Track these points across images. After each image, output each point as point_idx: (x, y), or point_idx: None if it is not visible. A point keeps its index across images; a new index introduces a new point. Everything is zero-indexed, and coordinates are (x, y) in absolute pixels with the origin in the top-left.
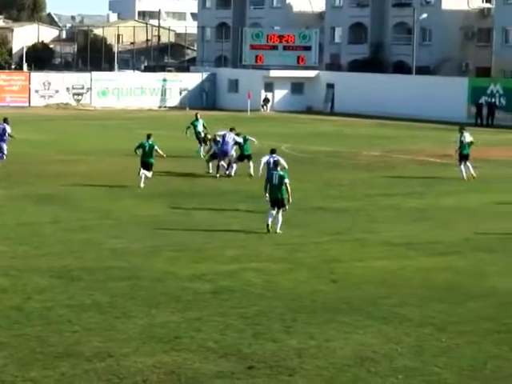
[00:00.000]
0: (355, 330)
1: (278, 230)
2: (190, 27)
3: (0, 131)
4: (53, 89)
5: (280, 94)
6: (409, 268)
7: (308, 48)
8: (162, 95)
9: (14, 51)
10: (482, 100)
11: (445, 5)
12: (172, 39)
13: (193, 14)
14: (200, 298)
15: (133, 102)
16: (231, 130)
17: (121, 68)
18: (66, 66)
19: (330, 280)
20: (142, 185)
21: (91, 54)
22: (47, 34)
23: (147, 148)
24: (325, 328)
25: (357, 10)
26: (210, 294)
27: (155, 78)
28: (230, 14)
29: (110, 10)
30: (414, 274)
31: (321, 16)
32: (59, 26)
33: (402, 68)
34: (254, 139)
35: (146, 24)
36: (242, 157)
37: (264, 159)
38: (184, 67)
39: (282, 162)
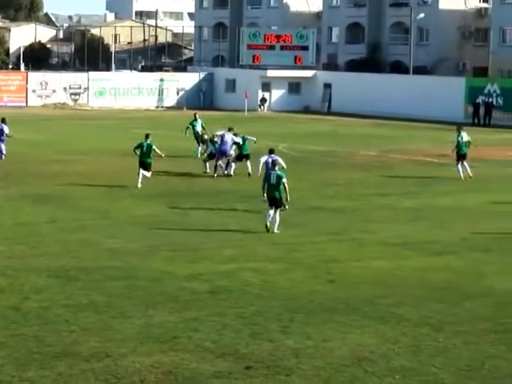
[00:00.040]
0: (352, 329)
1: (276, 230)
2: (187, 27)
3: None
4: (50, 89)
5: (277, 93)
6: (405, 268)
7: (305, 48)
8: (159, 95)
9: (12, 51)
10: (479, 100)
11: (442, 4)
12: (169, 39)
13: (190, 14)
14: (197, 297)
15: (130, 102)
16: (229, 129)
17: (118, 68)
18: (63, 65)
19: (327, 280)
20: (139, 185)
21: (88, 53)
22: (44, 34)
23: (145, 148)
24: (322, 328)
25: (354, 9)
26: (208, 293)
27: (152, 77)
28: (227, 13)
29: (107, 9)
30: (411, 273)
31: (318, 16)
32: (56, 26)
33: (399, 68)
34: (254, 138)
35: (143, 24)
36: (241, 156)
37: (263, 159)
38: (181, 67)
39: (281, 161)
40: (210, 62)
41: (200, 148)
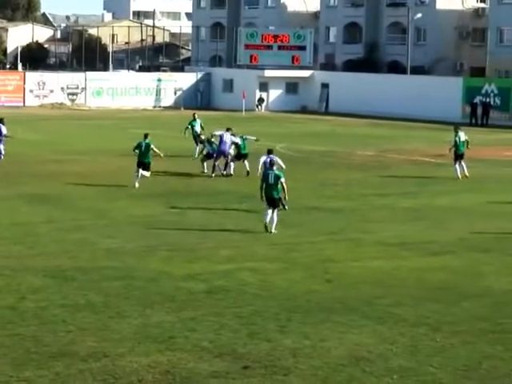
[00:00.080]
0: (350, 329)
1: (273, 230)
2: (185, 27)
3: None
4: (47, 88)
5: (275, 93)
6: (403, 268)
7: (303, 48)
8: (156, 95)
9: (9, 51)
10: (477, 100)
11: (439, 4)
12: (167, 39)
13: (187, 14)
14: (195, 297)
15: (127, 102)
16: (228, 130)
17: (115, 68)
18: (61, 65)
19: (324, 280)
20: (136, 184)
21: (86, 53)
22: (42, 34)
23: (143, 147)
24: (320, 328)
25: (351, 9)
26: (205, 293)
27: (150, 77)
28: (224, 13)
29: (104, 9)
30: (409, 273)
31: (315, 16)
32: (54, 26)
33: (396, 68)
34: (253, 137)
35: (141, 24)
36: (240, 156)
37: (262, 159)
38: (179, 67)
39: (280, 162)
40: (208, 62)
41: (198, 148)
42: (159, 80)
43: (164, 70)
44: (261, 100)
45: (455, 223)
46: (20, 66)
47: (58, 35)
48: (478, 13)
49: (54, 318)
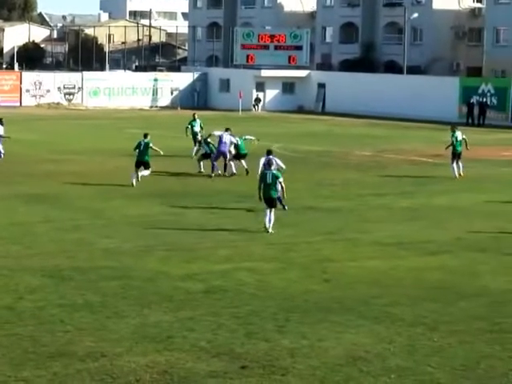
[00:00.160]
0: (347, 329)
1: (270, 230)
2: (181, 27)
3: None
4: (44, 88)
5: (271, 93)
6: (401, 268)
7: (299, 48)
8: (153, 95)
9: (5, 51)
10: (474, 100)
11: (436, 4)
12: (163, 39)
13: (184, 14)
14: (192, 297)
15: (124, 102)
16: (227, 130)
17: (112, 68)
18: (57, 65)
19: (322, 280)
20: (133, 181)
21: (82, 53)
22: (38, 34)
23: (142, 146)
24: (317, 328)
25: (348, 9)
26: (203, 293)
27: (146, 77)
28: (221, 13)
29: (101, 9)
30: (406, 273)
31: (312, 16)
32: (50, 26)
33: (393, 68)
34: (253, 137)
35: (137, 24)
36: (239, 156)
37: (261, 161)
38: (175, 67)
39: (279, 162)
40: (204, 62)
41: (195, 148)
42: (156, 80)
43: (160, 70)
44: (257, 100)
45: (452, 223)
46: (16, 65)
47: (55, 35)
48: (474, 13)
49: (52, 318)
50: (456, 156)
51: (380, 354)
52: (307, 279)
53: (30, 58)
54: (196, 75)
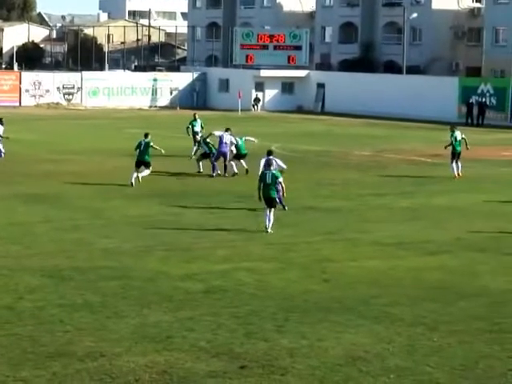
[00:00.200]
0: (347, 329)
1: (270, 230)
2: (181, 27)
3: None
4: (43, 88)
5: (270, 93)
6: (400, 268)
7: (298, 48)
8: (152, 95)
9: (5, 51)
10: (473, 100)
11: (435, 4)
12: (162, 39)
13: (183, 14)
14: (192, 297)
15: (123, 102)
16: (227, 130)
17: (111, 68)
18: (57, 65)
19: (321, 279)
20: (133, 181)
21: (81, 53)
22: (37, 34)
23: (142, 146)
24: (317, 327)
25: (347, 9)
26: (202, 293)
27: (146, 77)
28: (220, 13)
29: (100, 9)
30: (406, 273)
31: (311, 16)
32: (49, 26)
33: (392, 68)
34: (252, 139)
35: (137, 24)
36: (239, 156)
37: (262, 161)
38: (174, 67)
39: (280, 163)
40: (204, 62)
41: (194, 148)
42: (155, 80)
43: (160, 70)
44: (257, 100)
45: (452, 223)
46: (16, 65)
47: (54, 35)
48: (473, 13)
49: (52, 318)
50: (456, 156)
51: (379, 353)
52: (307, 279)
53: (30, 57)
54: (195, 75)
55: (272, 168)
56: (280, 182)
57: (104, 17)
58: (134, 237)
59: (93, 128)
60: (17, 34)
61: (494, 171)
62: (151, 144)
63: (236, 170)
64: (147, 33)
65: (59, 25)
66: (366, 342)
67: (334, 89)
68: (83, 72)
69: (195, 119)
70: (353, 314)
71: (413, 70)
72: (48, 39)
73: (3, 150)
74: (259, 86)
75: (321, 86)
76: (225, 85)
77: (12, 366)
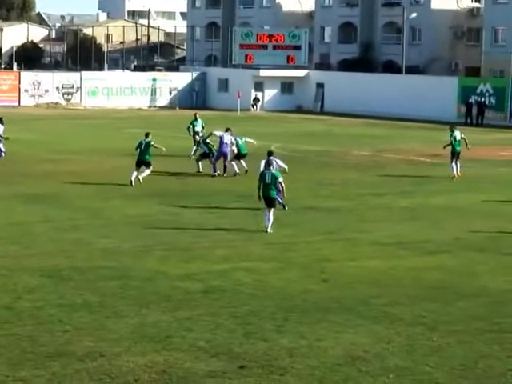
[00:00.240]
0: (346, 329)
1: (269, 230)
2: (180, 27)
3: None
4: (42, 88)
5: (270, 93)
6: (400, 267)
7: (298, 47)
8: (151, 95)
9: (4, 51)
10: (472, 99)
11: (434, 4)
12: (162, 39)
13: (182, 14)
14: (191, 297)
15: (123, 102)
16: (227, 130)
17: (110, 67)
18: (56, 65)
19: (321, 279)
20: (132, 180)
21: (81, 53)
22: (37, 34)
23: (143, 146)
24: (316, 327)
25: (346, 9)
26: (201, 293)
27: (145, 77)
28: (219, 13)
29: (99, 9)
30: (405, 273)
31: (310, 15)
32: (49, 26)
33: (391, 67)
34: (251, 140)
35: (136, 23)
36: (239, 156)
37: (263, 162)
38: (174, 67)
39: (280, 163)
40: (203, 62)
41: (194, 148)
42: (154, 80)
43: (159, 70)
44: (256, 100)
45: (451, 222)
46: (15, 65)
47: (53, 35)
48: (472, 12)
49: (51, 318)
50: (455, 155)
51: (379, 353)
52: (306, 279)
53: (29, 57)
54: (194, 75)
55: (271, 168)
56: (280, 182)
57: (103, 17)
58: (133, 237)
59: (92, 128)
60: (16, 34)
61: (492, 171)
62: (152, 143)
63: (237, 170)
64: (146, 33)
65: (58, 25)
66: (365, 342)
67: (334, 89)
68: (82, 72)
69: (196, 119)
70: (352, 313)
71: (412, 69)
72: (47, 39)
73: (3, 149)
74: (258, 86)
75: (320, 85)
76: (224, 85)
77: (11, 366)
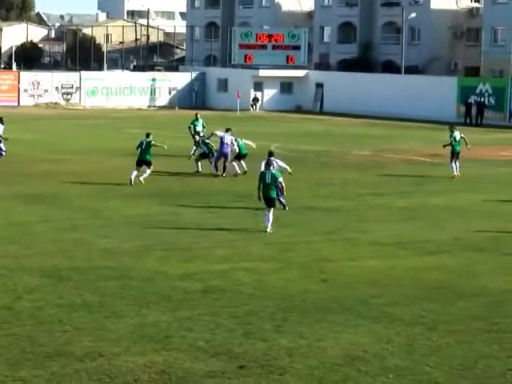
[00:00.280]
0: (346, 329)
1: (269, 230)
2: (179, 26)
3: None
4: (42, 88)
5: (269, 93)
6: (399, 267)
7: (297, 47)
8: (151, 95)
9: (3, 51)
10: (471, 99)
11: (433, 4)
12: (161, 39)
13: (182, 14)
14: (190, 297)
15: (122, 102)
16: (227, 130)
17: (110, 67)
18: (55, 65)
19: (320, 279)
20: (132, 179)
21: (80, 53)
22: (36, 34)
23: (144, 145)
24: (315, 327)
25: (346, 9)
26: (201, 293)
27: (144, 77)
28: (218, 13)
29: (98, 9)
30: (405, 273)
31: (310, 15)
32: (48, 26)
33: (390, 67)
34: (251, 143)
35: (135, 23)
36: (239, 156)
37: (263, 163)
38: (173, 67)
39: (281, 163)
40: (202, 62)
41: (194, 148)
42: (154, 80)
43: (158, 70)
44: (255, 99)
45: (451, 222)
46: (14, 65)
47: (53, 35)
48: (472, 12)
49: (50, 318)
50: (455, 155)
51: (378, 353)
52: (305, 279)
53: (28, 57)
54: (194, 75)
55: (271, 168)
56: (280, 182)
57: (103, 16)
58: (132, 237)
59: (91, 128)
60: (15, 34)
61: (492, 171)
62: (153, 143)
63: (238, 170)
64: (146, 33)
65: (58, 25)
66: (364, 342)
67: (333, 89)
68: (82, 72)
69: (197, 119)
70: (352, 313)
71: (411, 69)
72: (46, 39)
73: (4, 149)
74: (258, 86)
75: (319, 85)
76: (223, 85)
77: (11, 366)
